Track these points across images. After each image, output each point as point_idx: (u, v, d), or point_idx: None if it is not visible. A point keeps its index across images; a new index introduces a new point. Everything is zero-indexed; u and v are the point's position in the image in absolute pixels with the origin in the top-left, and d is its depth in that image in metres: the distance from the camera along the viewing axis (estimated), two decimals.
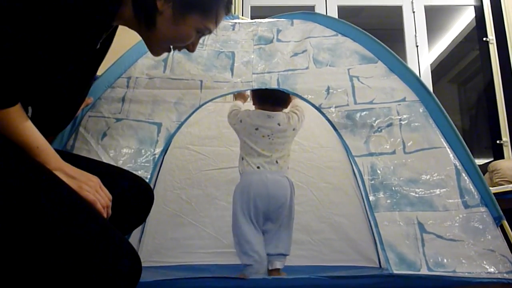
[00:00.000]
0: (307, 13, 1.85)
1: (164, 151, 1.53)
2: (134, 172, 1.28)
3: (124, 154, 1.44)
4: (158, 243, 2.08)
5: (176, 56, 1.67)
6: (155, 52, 1.19)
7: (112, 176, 1.13)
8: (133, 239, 1.66)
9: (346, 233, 2.16)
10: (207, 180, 2.17)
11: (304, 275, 1.15)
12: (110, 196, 1.00)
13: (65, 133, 1.44)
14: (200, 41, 1.73)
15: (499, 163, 3.01)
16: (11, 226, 0.76)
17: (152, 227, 2.10)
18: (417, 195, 1.33)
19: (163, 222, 2.11)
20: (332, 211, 2.20)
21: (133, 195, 1.21)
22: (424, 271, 1.20)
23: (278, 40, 1.72)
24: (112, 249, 0.85)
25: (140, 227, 2.05)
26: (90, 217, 0.87)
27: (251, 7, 3.59)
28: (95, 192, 0.95)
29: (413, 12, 3.59)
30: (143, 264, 0.92)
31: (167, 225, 2.11)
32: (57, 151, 0.98)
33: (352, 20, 1.75)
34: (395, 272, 1.19)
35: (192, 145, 2.24)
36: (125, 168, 1.33)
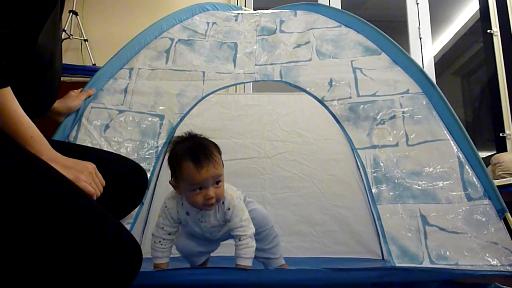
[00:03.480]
0: (311, 4, 1.83)
1: (167, 143, 1.53)
2: None
3: (127, 146, 1.45)
4: None
5: (178, 47, 1.66)
6: None
7: (102, 159, 1.14)
8: (136, 230, 1.66)
9: (349, 225, 2.17)
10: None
11: (306, 267, 1.15)
12: (104, 182, 1.02)
13: (67, 124, 1.44)
14: (203, 32, 1.73)
15: (502, 156, 3.01)
16: (9, 221, 0.76)
17: (155, 218, 2.08)
18: (420, 187, 1.32)
19: None
20: (335, 203, 2.20)
21: (125, 177, 1.22)
22: (426, 264, 1.20)
23: (281, 31, 1.71)
24: (112, 239, 0.85)
25: (143, 219, 2.06)
26: (90, 208, 0.88)
27: None
28: (92, 182, 0.95)
29: (417, 3, 3.57)
30: (146, 255, 0.92)
31: None
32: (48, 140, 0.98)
33: (355, 12, 1.74)
34: (398, 264, 1.19)
35: None
36: None
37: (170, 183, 1.35)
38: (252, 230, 1.33)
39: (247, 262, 1.29)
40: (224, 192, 1.33)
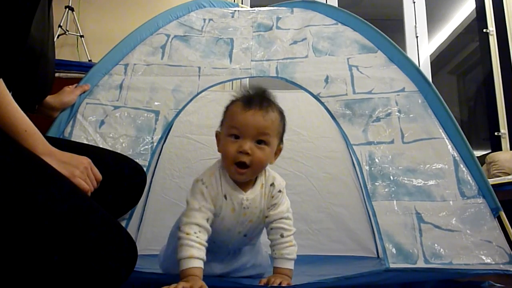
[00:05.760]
0: (307, 1, 1.83)
1: (163, 139, 1.52)
2: None
3: (122, 142, 1.44)
4: (156, 231, 2.08)
5: (174, 43, 1.66)
6: None
7: (102, 157, 1.14)
8: (132, 227, 1.66)
9: (344, 223, 2.17)
10: (205, 169, 2.16)
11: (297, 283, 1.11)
12: (100, 177, 1.00)
13: (62, 120, 1.44)
14: (199, 28, 1.73)
15: (497, 154, 3.02)
16: (2, 218, 0.75)
17: (151, 215, 2.11)
18: (415, 184, 1.33)
19: (162, 210, 2.11)
20: (330, 201, 2.21)
21: (124, 175, 1.22)
22: (420, 263, 1.19)
23: (278, 28, 1.71)
24: (107, 236, 0.85)
25: (138, 215, 2.05)
26: (85, 205, 0.87)
27: None
28: (87, 178, 0.95)
29: (413, 2, 3.58)
30: (141, 252, 0.92)
31: (166, 214, 2.10)
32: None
33: (352, 10, 1.74)
34: (392, 266, 1.19)
35: (191, 134, 2.24)
36: None
37: (216, 134, 1.18)
38: (295, 229, 1.14)
39: (290, 265, 1.11)
40: (274, 173, 1.18)
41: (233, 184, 1.12)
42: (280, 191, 1.16)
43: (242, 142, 1.06)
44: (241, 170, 1.07)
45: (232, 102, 1.14)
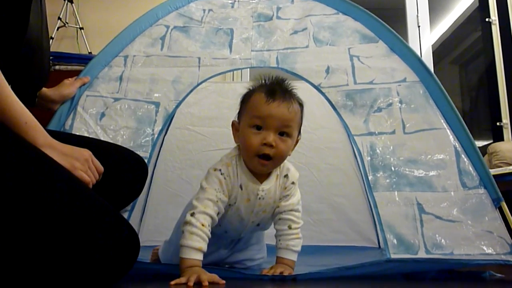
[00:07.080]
0: None
1: (163, 130, 1.52)
2: None
3: (123, 134, 1.44)
4: (159, 222, 2.09)
5: (173, 34, 1.65)
6: None
7: (103, 150, 1.14)
8: (134, 219, 1.66)
9: (345, 213, 2.18)
10: (207, 160, 2.16)
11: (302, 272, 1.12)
12: (102, 169, 1.01)
13: (63, 112, 1.43)
14: (198, 18, 1.72)
15: (499, 145, 3.02)
16: (4, 211, 0.75)
17: (153, 207, 2.11)
18: (416, 175, 1.32)
19: (164, 202, 2.12)
20: (332, 191, 2.21)
21: (126, 167, 1.22)
22: (421, 254, 1.19)
23: (278, 18, 1.70)
24: (110, 228, 0.85)
25: (141, 207, 2.06)
26: (87, 198, 0.87)
27: None
28: (88, 170, 0.95)
29: None
30: (144, 244, 0.92)
31: (168, 205, 2.12)
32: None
33: (353, 0, 1.72)
34: (393, 256, 1.19)
35: (192, 126, 2.24)
36: None
37: (232, 124, 1.16)
38: (302, 221, 1.16)
39: (294, 257, 1.13)
40: (288, 165, 1.18)
41: (249, 174, 1.12)
42: (293, 182, 1.17)
43: (265, 134, 1.05)
44: (264, 162, 1.07)
45: (252, 92, 1.13)
